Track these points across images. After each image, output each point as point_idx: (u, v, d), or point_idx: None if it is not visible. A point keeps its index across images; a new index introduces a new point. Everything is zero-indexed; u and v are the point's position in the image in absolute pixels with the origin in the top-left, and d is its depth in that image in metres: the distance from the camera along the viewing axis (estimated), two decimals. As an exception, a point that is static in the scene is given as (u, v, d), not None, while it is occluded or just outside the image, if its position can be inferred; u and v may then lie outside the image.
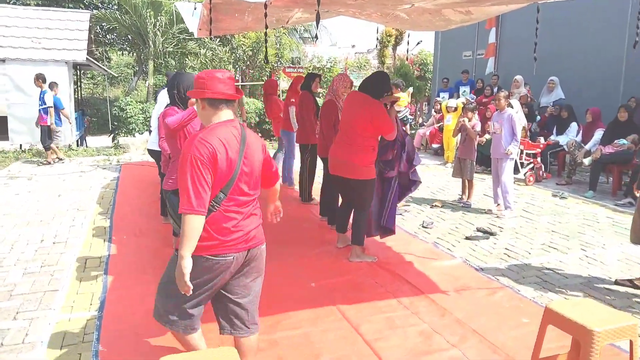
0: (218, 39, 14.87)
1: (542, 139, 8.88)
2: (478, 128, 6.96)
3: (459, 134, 7.08)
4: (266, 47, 4.35)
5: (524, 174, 8.45)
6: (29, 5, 16.71)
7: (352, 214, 4.85)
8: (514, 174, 8.54)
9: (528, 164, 8.61)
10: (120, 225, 5.86)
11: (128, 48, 23.15)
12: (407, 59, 19.66)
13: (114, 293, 4.04)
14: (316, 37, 16.14)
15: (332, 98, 5.56)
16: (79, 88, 15.29)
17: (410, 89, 11.05)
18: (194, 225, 2.30)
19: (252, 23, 8.05)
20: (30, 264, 4.67)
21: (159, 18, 13.90)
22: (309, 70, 15.55)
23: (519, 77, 10.69)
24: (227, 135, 2.41)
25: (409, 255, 4.94)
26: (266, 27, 4.12)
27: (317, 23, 3.02)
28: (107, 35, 23.44)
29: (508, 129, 6.39)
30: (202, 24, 7.81)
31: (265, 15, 4.08)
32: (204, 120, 2.53)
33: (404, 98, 8.94)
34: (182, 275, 2.29)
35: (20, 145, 11.75)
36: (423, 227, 5.96)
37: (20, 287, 4.17)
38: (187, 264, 2.29)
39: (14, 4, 17.54)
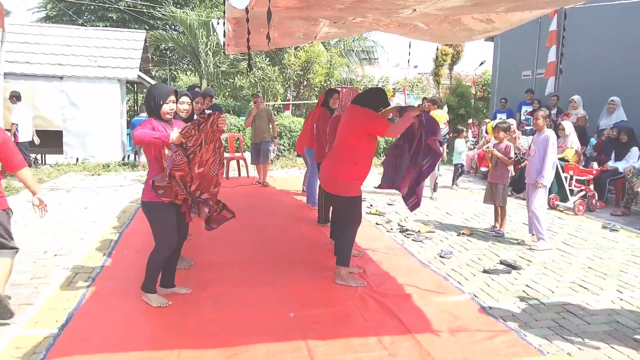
0: (268, 59, 14.98)
1: (595, 164, 8.02)
2: (512, 151, 6.35)
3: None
4: (249, 55, 4.12)
5: (574, 203, 7.64)
6: (98, 26, 17.72)
7: None
8: (563, 202, 7.80)
9: (579, 192, 7.78)
10: (126, 240, 5.79)
11: (192, 68, 24.04)
12: (471, 80, 18.98)
13: (85, 310, 3.89)
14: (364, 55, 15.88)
15: (339, 114, 5.24)
16: (135, 104, 15.85)
17: (445, 107, 10.50)
18: None
19: (278, 38, 7.91)
20: (22, 275, 4.64)
21: (210, 38, 14.20)
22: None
23: (576, 97, 9.87)
24: None
25: (412, 287, 4.45)
26: (248, 32, 3.88)
27: (269, 20, 2.72)
28: (174, 56, 24.52)
29: (541, 152, 5.75)
30: (229, 40, 7.77)
31: (247, 20, 3.86)
32: None
33: (441, 114, 8.41)
34: None
35: (77, 159, 12.29)
36: (440, 256, 5.43)
37: None
38: None
39: (83, 25, 18.66)
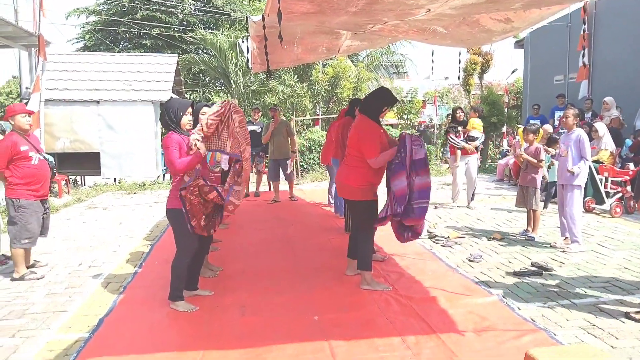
0: (296, 76, 15.17)
1: (631, 165, 7.76)
2: (543, 154, 6.22)
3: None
4: (267, 61, 4.25)
5: (610, 205, 7.39)
6: (133, 53, 18.40)
7: None
8: (599, 204, 7.57)
9: (615, 193, 7.53)
10: (158, 251, 5.92)
11: (224, 89, 24.60)
12: (503, 88, 18.74)
13: (115, 316, 4.00)
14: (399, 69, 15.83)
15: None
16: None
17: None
18: None
19: (302, 54, 8.05)
20: (57, 285, 4.81)
21: (239, 58, 14.53)
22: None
23: (608, 99, 9.63)
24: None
25: (438, 290, 4.39)
26: (265, 39, 3.97)
27: (280, 20, 2.76)
28: (206, 78, 25.14)
29: (576, 151, 5.60)
30: (255, 58, 7.96)
31: (264, 27, 3.96)
32: None
33: (479, 122, 8.37)
34: None
35: (114, 179, 12.72)
36: (469, 260, 5.34)
37: (36, 306, 4.28)
38: None
39: (119, 52, 19.41)
